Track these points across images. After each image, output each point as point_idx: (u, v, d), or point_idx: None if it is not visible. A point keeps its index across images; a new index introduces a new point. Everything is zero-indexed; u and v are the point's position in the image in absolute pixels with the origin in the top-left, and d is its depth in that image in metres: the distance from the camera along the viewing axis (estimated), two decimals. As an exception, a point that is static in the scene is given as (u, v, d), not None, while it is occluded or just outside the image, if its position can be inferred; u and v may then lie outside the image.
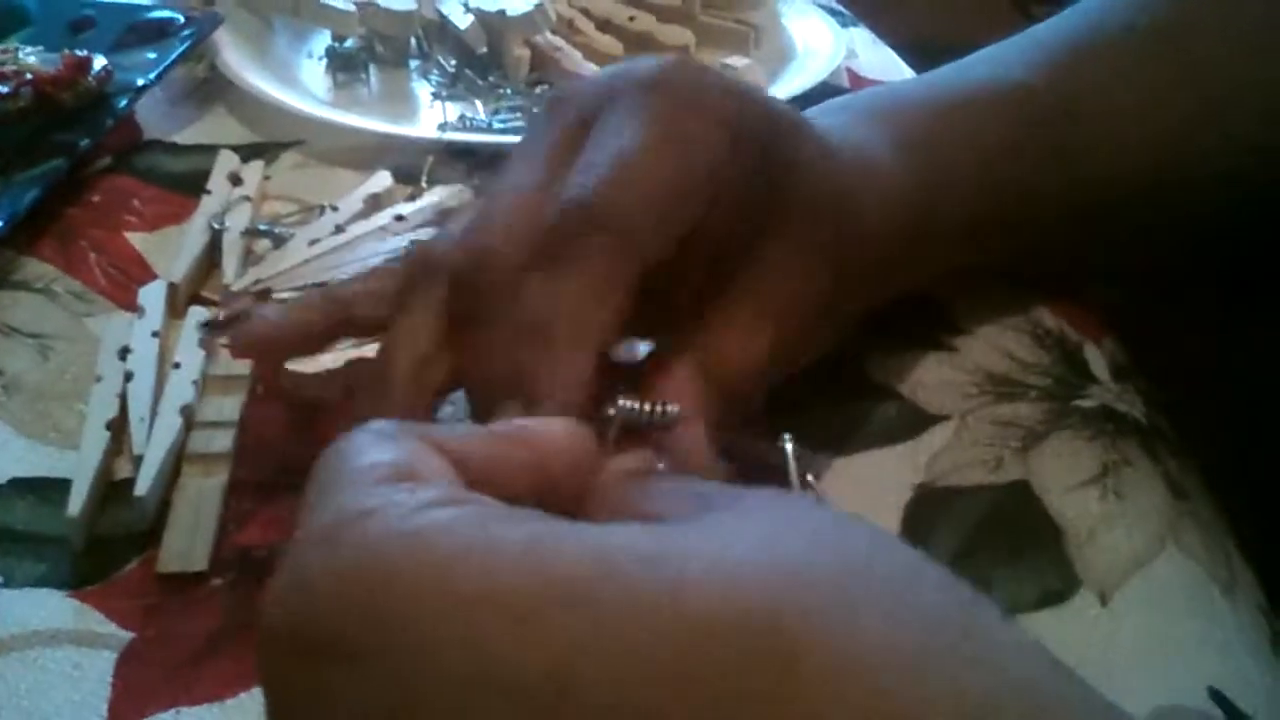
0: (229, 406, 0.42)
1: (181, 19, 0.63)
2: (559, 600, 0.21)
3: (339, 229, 0.51)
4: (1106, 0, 0.49)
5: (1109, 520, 0.41)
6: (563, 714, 0.20)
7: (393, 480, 0.24)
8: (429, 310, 0.35)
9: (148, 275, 0.49)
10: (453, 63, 0.68)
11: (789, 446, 0.32)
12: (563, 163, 0.34)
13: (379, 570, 0.22)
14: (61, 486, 0.39)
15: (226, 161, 0.56)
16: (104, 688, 0.34)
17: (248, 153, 0.57)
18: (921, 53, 0.68)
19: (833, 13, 0.76)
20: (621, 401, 0.31)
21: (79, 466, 0.39)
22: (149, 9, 0.64)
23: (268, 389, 0.42)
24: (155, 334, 0.45)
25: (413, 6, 0.67)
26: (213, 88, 0.63)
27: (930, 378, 0.46)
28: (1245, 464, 0.51)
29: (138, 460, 0.39)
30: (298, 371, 0.41)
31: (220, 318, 0.44)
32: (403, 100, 0.67)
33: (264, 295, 0.47)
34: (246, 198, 0.53)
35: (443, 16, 0.69)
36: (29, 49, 0.57)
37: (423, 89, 0.67)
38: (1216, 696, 0.36)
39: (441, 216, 0.52)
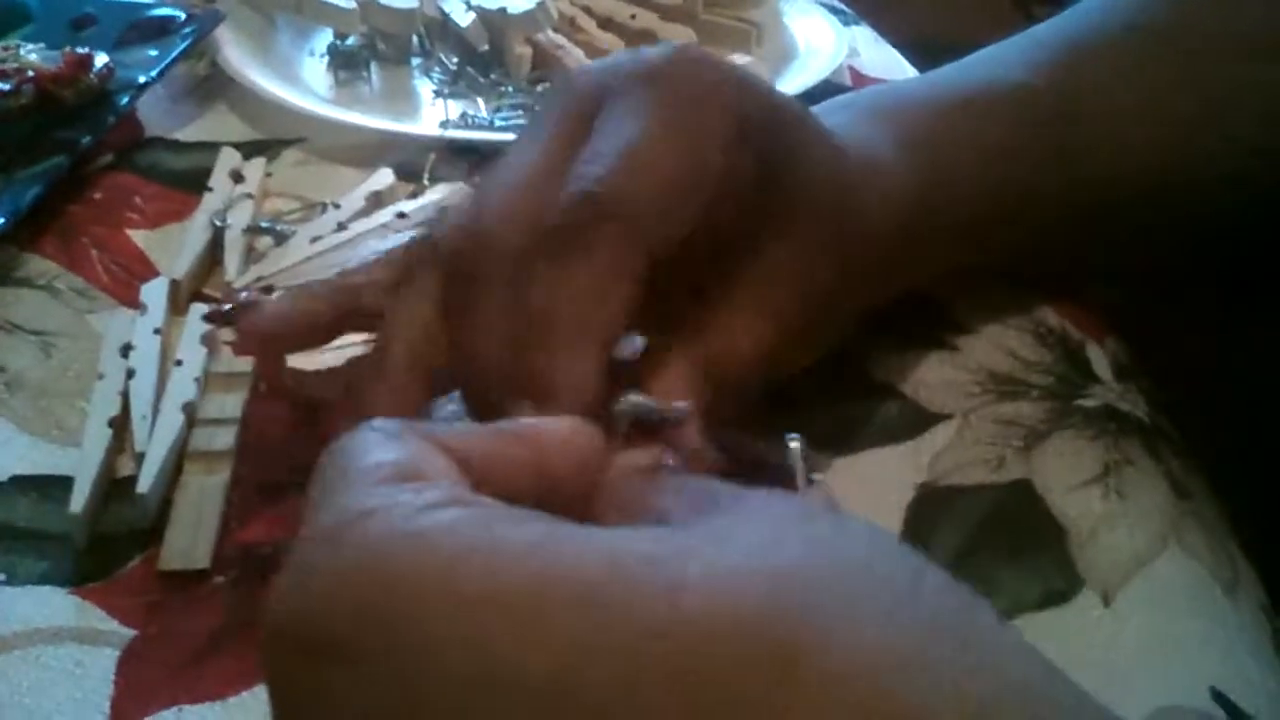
0: (231, 404, 0.42)
1: (183, 16, 0.63)
2: (562, 601, 0.21)
3: (341, 226, 0.51)
4: (1107, 0, 0.49)
5: (1111, 520, 0.41)
6: (565, 714, 0.20)
7: (396, 480, 0.24)
8: (425, 295, 0.35)
9: (150, 272, 0.49)
10: (454, 60, 0.68)
11: (797, 447, 0.32)
12: (566, 152, 0.34)
13: (382, 571, 0.22)
14: (64, 484, 0.39)
15: (228, 159, 0.56)
16: (106, 685, 0.34)
17: (249, 150, 0.57)
18: (923, 51, 0.68)
19: (835, 11, 0.76)
20: (630, 397, 0.31)
21: (81, 464, 0.39)
22: (150, 6, 0.64)
23: (270, 386, 0.42)
24: (157, 331, 0.45)
25: (414, 4, 0.67)
26: (214, 85, 0.63)
27: (932, 377, 0.46)
28: (1246, 464, 0.51)
29: (140, 457, 0.39)
30: (300, 369, 0.41)
31: (225, 310, 0.44)
32: (404, 98, 0.67)
33: (266, 291, 0.47)
34: (248, 195, 0.53)
35: (444, 14, 0.69)
36: (31, 46, 0.57)
37: (424, 86, 0.67)
38: (1219, 697, 0.36)
39: (443, 214, 0.52)
